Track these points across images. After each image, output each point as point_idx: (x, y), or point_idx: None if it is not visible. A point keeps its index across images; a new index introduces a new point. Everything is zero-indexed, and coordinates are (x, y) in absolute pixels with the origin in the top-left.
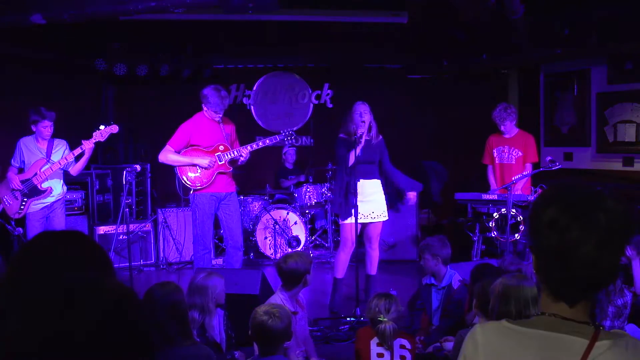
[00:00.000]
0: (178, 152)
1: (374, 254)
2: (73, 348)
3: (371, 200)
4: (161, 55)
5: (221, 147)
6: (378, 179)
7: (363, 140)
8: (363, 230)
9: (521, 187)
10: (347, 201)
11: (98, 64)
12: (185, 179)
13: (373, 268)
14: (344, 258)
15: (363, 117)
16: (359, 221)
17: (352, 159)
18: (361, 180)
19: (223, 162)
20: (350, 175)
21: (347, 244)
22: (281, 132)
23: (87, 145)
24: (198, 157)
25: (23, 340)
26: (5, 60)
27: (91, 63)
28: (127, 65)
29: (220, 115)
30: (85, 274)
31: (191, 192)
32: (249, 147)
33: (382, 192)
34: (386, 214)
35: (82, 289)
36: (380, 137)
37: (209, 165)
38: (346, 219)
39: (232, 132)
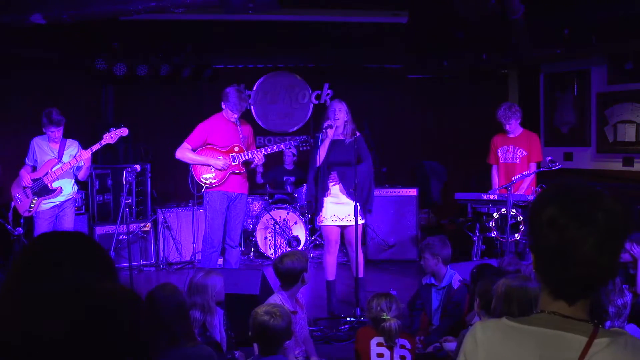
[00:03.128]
0: (195, 149)
1: (358, 257)
2: (63, 347)
3: (347, 203)
4: (161, 55)
5: (236, 149)
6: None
7: (330, 135)
8: (342, 234)
9: (526, 186)
10: (317, 199)
11: (98, 64)
12: (198, 175)
13: (360, 271)
14: (330, 260)
15: (337, 114)
16: (334, 223)
17: (321, 156)
18: (332, 182)
19: (237, 162)
20: (317, 174)
21: (331, 244)
22: (297, 138)
23: (84, 156)
24: (213, 157)
25: (12, 335)
26: (5, 60)
27: (91, 63)
28: (127, 65)
29: (237, 116)
30: (83, 276)
31: (203, 189)
32: (263, 151)
33: None
34: (362, 217)
35: (79, 291)
36: (358, 134)
37: (222, 167)
38: (320, 216)
39: (250, 135)
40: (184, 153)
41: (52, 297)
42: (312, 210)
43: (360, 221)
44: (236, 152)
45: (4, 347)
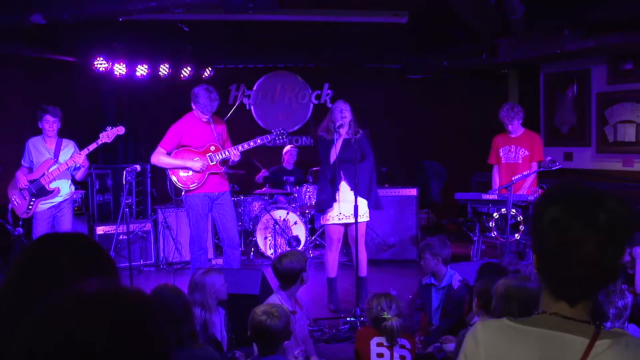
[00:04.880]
0: (169, 153)
1: (361, 256)
2: (87, 355)
3: (352, 201)
4: (161, 55)
5: (212, 148)
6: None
7: (342, 134)
8: (346, 232)
9: (527, 186)
10: (331, 198)
11: (98, 64)
12: (175, 179)
13: (362, 269)
14: (332, 257)
15: (344, 113)
16: (340, 222)
17: (333, 156)
18: (342, 180)
19: (214, 162)
20: (333, 172)
21: (333, 243)
22: (272, 131)
23: (78, 160)
24: (190, 159)
25: (36, 345)
26: (6, 60)
27: (91, 63)
28: (127, 65)
29: (208, 117)
30: (103, 282)
31: (183, 193)
32: (240, 147)
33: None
34: (368, 214)
35: (100, 296)
36: (361, 132)
37: (201, 168)
38: (326, 215)
39: (224, 132)
40: (159, 158)
41: (84, 302)
42: (322, 208)
43: (365, 219)
44: (213, 152)
45: (38, 356)
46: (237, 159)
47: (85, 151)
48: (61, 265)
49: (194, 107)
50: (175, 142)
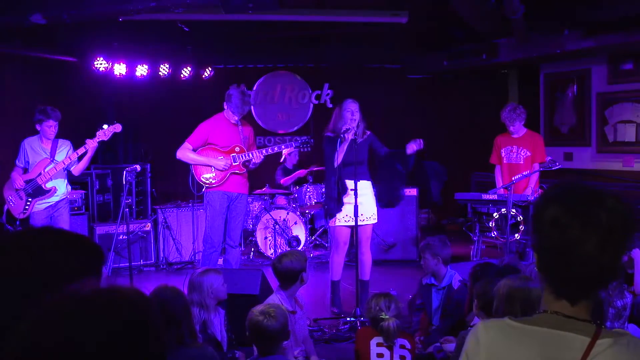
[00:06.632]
0: (195, 149)
1: (365, 258)
2: (84, 356)
3: (360, 203)
4: (161, 55)
5: (237, 149)
6: (367, 180)
7: (348, 138)
8: (352, 234)
9: (532, 185)
10: (339, 201)
11: (98, 64)
12: (199, 175)
13: (366, 273)
14: (337, 260)
15: (354, 115)
16: (346, 224)
17: (338, 158)
18: (348, 181)
19: (237, 163)
20: (338, 174)
21: (339, 245)
22: (297, 139)
23: (91, 145)
24: (214, 157)
25: (33, 346)
26: (5, 60)
27: (91, 63)
28: (127, 65)
29: (237, 118)
30: (100, 282)
31: (204, 189)
32: (264, 152)
33: (372, 194)
34: (375, 216)
35: (98, 297)
36: (368, 133)
37: (224, 167)
38: (335, 218)
39: (250, 136)
40: (185, 153)
41: (86, 301)
42: (331, 212)
43: (372, 221)
44: (237, 153)
45: (37, 353)
46: (259, 160)
47: (82, 149)
48: (30, 255)
49: (225, 107)
50: (202, 140)
